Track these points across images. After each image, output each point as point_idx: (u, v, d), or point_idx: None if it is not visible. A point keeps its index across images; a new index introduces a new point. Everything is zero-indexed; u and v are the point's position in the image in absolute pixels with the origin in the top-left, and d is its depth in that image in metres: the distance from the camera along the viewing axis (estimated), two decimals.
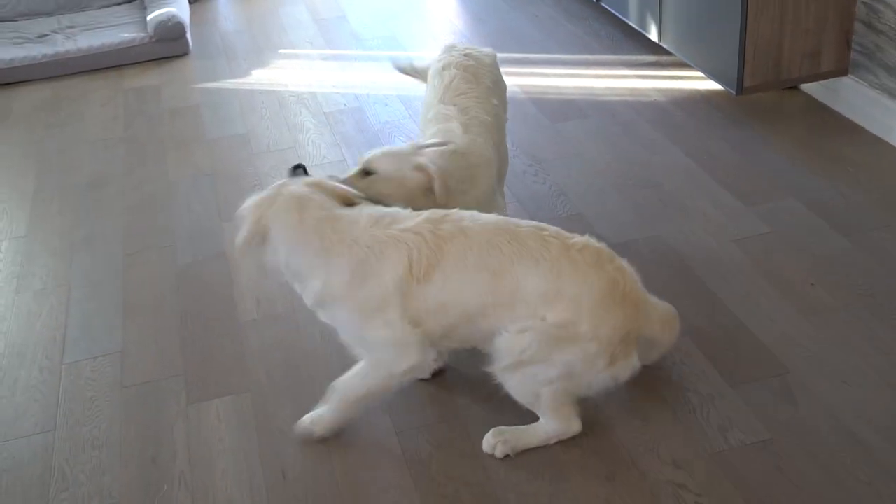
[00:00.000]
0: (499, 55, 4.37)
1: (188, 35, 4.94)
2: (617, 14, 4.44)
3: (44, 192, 3.74)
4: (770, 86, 3.63)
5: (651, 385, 2.43)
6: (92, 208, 3.57)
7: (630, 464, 2.20)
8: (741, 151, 3.49)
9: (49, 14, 5.27)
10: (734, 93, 3.58)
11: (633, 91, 4.05)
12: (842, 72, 3.56)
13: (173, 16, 4.85)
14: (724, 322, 2.64)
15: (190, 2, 5.38)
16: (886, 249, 2.85)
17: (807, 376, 2.40)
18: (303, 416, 2.32)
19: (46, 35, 5.00)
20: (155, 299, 3.00)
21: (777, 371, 2.43)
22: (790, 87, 3.83)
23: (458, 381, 2.52)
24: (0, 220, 3.55)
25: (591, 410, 2.32)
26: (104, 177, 3.80)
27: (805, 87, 3.80)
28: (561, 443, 2.23)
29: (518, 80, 4.19)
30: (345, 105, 4.22)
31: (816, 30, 3.46)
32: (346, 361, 2.28)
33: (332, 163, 3.77)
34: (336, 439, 2.31)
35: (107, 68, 4.85)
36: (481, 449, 2.25)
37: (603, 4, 4.57)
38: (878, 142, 3.43)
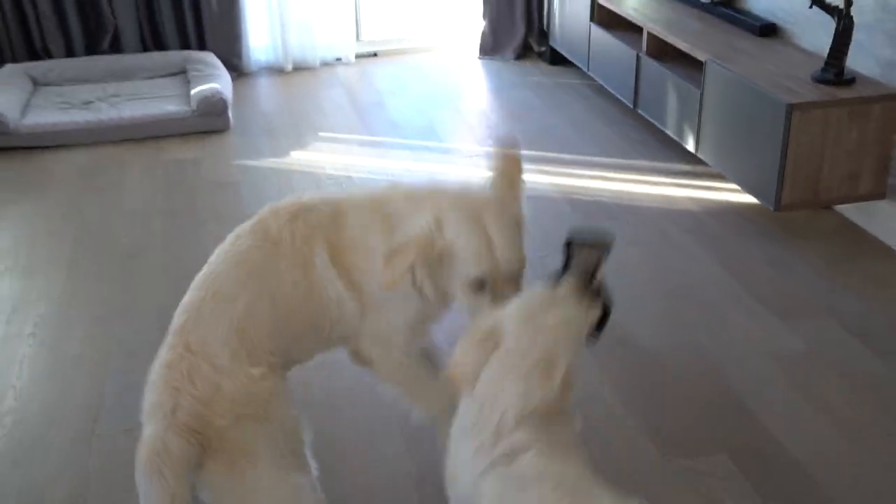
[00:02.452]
0: (534, 153, 4.42)
1: (230, 111, 4.96)
2: (653, 121, 4.47)
3: (82, 258, 3.74)
4: (808, 205, 3.66)
5: (685, 498, 2.43)
6: (129, 279, 3.57)
7: None
8: (777, 266, 3.49)
9: (95, 81, 5.32)
10: (772, 209, 3.59)
11: (666, 199, 4.07)
12: (879, 195, 3.59)
13: (217, 91, 4.90)
14: (759, 438, 2.63)
15: (232, 78, 5.42)
16: None
17: (841, 495, 2.40)
18: None
19: (91, 102, 5.04)
20: None
21: (811, 489, 2.42)
22: (826, 207, 3.84)
23: None
24: (38, 282, 3.55)
25: None
26: (141, 247, 3.80)
27: (839, 207, 3.82)
28: None
29: (552, 178, 4.24)
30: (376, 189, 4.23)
31: (857, 153, 3.49)
32: None
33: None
34: None
35: (147, 138, 4.86)
36: None
37: (639, 111, 4.61)
38: None
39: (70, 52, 5.53)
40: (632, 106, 4.69)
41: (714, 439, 2.64)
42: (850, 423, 2.67)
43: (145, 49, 5.62)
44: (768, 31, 4.15)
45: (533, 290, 1.82)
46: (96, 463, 2.60)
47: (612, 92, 4.92)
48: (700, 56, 3.97)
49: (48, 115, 4.88)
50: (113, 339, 3.14)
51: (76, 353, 3.11)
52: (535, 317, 1.72)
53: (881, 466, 2.50)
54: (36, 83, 5.26)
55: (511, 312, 1.76)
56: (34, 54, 5.49)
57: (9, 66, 5.25)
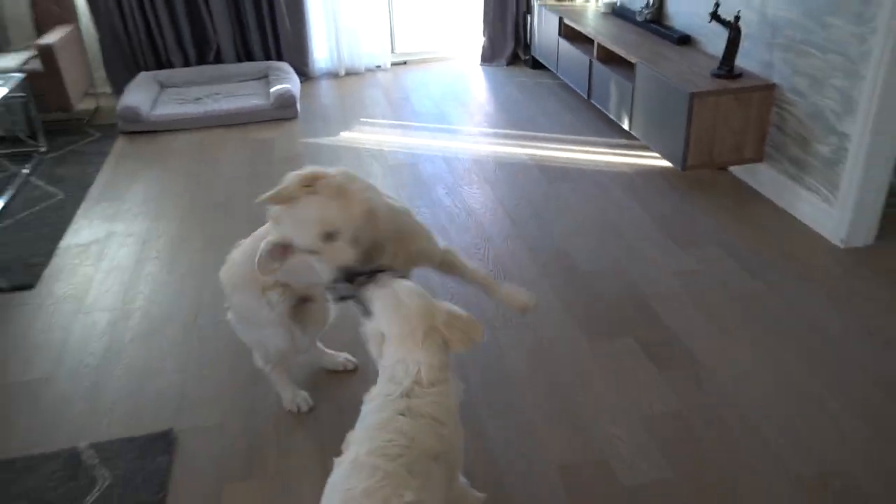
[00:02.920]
0: (516, 132, 4.37)
1: (297, 104, 4.96)
2: (602, 109, 4.45)
3: (191, 207, 3.78)
4: (706, 166, 3.63)
5: (603, 368, 2.51)
6: (223, 221, 3.61)
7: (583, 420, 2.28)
8: (682, 212, 3.50)
9: (202, 84, 5.34)
10: (680, 169, 3.60)
11: (607, 164, 4.05)
12: (758, 159, 3.57)
13: (288, 90, 4.90)
14: (659, 329, 2.68)
15: (301, 81, 5.45)
16: (777, 284, 2.89)
17: (714, 367, 2.46)
18: None
19: (200, 98, 5.06)
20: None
21: (692, 364, 2.49)
22: (721, 168, 3.84)
23: None
24: (161, 223, 3.60)
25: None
26: (232, 200, 3.82)
27: (731, 168, 3.82)
28: None
29: (529, 151, 4.23)
30: (404, 160, 4.23)
31: (742, 128, 3.47)
32: None
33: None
34: None
35: (238, 124, 4.87)
36: None
37: (592, 101, 4.59)
38: (781, 211, 3.44)
39: (185, 63, 5.52)
40: (586, 97, 4.66)
41: (626, 329, 2.68)
42: (726, 319, 2.71)
43: (238, 60, 5.60)
44: (684, 41, 4.10)
45: (382, 290, 1.62)
46: (196, 345, 2.69)
47: (574, 87, 4.88)
48: (633, 59, 3.94)
49: (170, 108, 4.91)
50: (209, 262, 3.17)
51: (184, 271, 3.18)
52: (400, 305, 1.58)
53: (748, 348, 2.55)
54: (162, 86, 5.28)
55: (381, 310, 1.60)
56: (160, 65, 5.50)
57: (142, 74, 5.27)
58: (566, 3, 5.34)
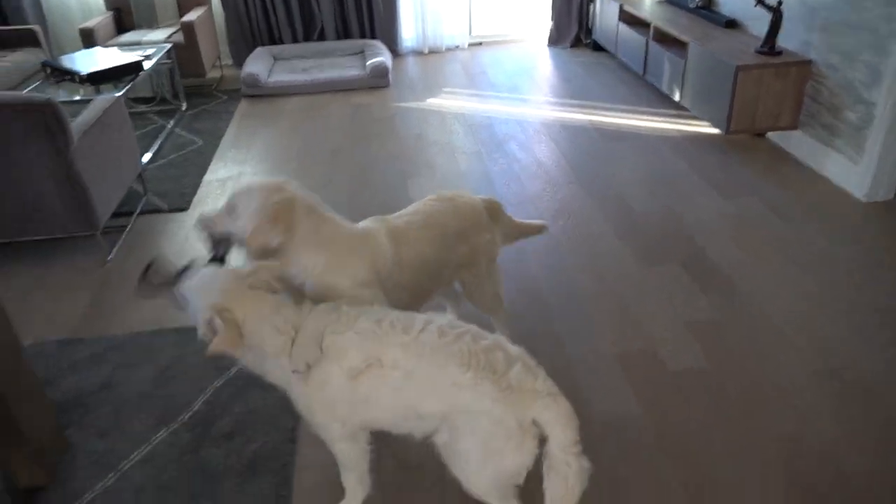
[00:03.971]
0: (577, 101, 4.44)
1: (390, 75, 5.14)
2: (655, 84, 4.55)
3: (300, 159, 3.97)
4: (747, 131, 3.71)
5: (653, 289, 2.70)
6: (330, 165, 3.85)
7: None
8: (724, 168, 3.60)
9: (309, 57, 5.57)
10: (724, 133, 3.71)
11: (659, 129, 4.14)
12: (793, 127, 3.65)
13: (382, 62, 5.10)
14: (702, 258, 2.83)
15: (392, 57, 5.61)
16: (803, 227, 3.00)
17: (750, 292, 2.62)
18: None
19: (307, 69, 5.29)
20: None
21: (728, 286, 2.66)
22: (759, 135, 3.93)
23: None
24: (280, 166, 3.85)
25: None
26: (338, 149, 4.06)
27: (769, 134, 3.91)
28: None
29: (589, 116, 4.36)
30: (481, 122, 4.37)
31: (780, 99, 3.56)
32: None
33: (472, 152, 3.93)
34: None
35: (341, 91, 5.08)
36: None
37: (646, 78, 4.68)
38: (812, 171, 3.52)
39: (294, 40, 5.74)
40: (641, 74, 4.74)
41: (673, 258, 2.84)
42: (759, 253, 2.85)
43: (339, 37, 5.79)
44: (731, 24, 4.16)
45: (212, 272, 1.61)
46: None
47: (630, 66, 4.97)
48: (686, 39, 4.03)
49: (283, 76, 5.15)
50: (321, 198, 3.39)
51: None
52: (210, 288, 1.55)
53: (775, 275, 2.70)
54: (275, 58, 5.55)
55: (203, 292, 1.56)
56: (273, 41, 5.75)
57: (259, 49, 5.53)
58: None
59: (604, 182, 3.54)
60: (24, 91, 3.70)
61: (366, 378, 1.50)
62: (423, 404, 1.46)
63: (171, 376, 2.33)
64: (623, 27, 5.06)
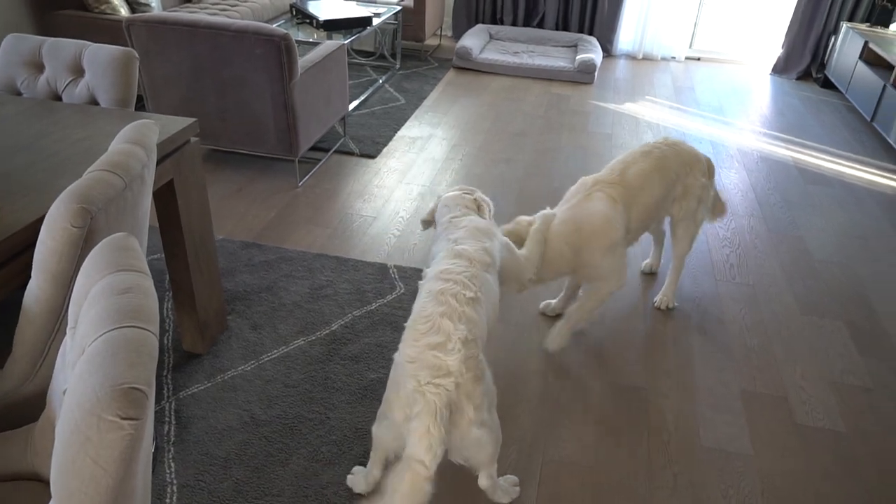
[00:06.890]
0: (787, 136, 4.21)
1: (596, 73, 5.14)
2: (882, 133, 4.16)
3: (492, 131, 4.14)
4: None
5: (811, 339, 2.52)
6: (516, 145, 3.96)
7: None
8: None
9: (523, 42, 5.71)
10: None
11: (872, 182, 3.81)
12: None
13: (592, 60, 5.10)
14: (871, 324, 2.60)
15: (603, 56, 5.62)
16: None
17: None
18: None
19: (518, 52, 5.43)
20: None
21: (889, 349, 2.44)
22: None
23: None
24: (468, 136, 4.02)
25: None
26: (525, 132, 4.15)
27: None
28: None
29: (794, 154, 4.09)
30: (673, 135, 4.23)
31: None
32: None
33: None
34: None
35: (544, 79, 5.18)
36: None
37: (874, 124, 4.31)
38: None
39: (514, 23, 5.90)
40: (870, 119, 4.37)
41: (838, 313, 2.64)
42: None
43: (557, 28, 5.86)
44: None
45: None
46: None
47: (859, 108, 4.58)
48: None
49: (493, 55, 5.33)
50: (497, 174, 3.57)
51: (479, 173, 3.58)
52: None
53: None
54: (491, 37, 5.74)
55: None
56: (494, 20, 5.95)
57: (479, 25, 5.75)
58: (877, 30, 4.96)
59: (789, 222, 3.34)
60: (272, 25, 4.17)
61: None
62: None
63: (322, 296, 2.59)
64: (861, 66, 4.64)
